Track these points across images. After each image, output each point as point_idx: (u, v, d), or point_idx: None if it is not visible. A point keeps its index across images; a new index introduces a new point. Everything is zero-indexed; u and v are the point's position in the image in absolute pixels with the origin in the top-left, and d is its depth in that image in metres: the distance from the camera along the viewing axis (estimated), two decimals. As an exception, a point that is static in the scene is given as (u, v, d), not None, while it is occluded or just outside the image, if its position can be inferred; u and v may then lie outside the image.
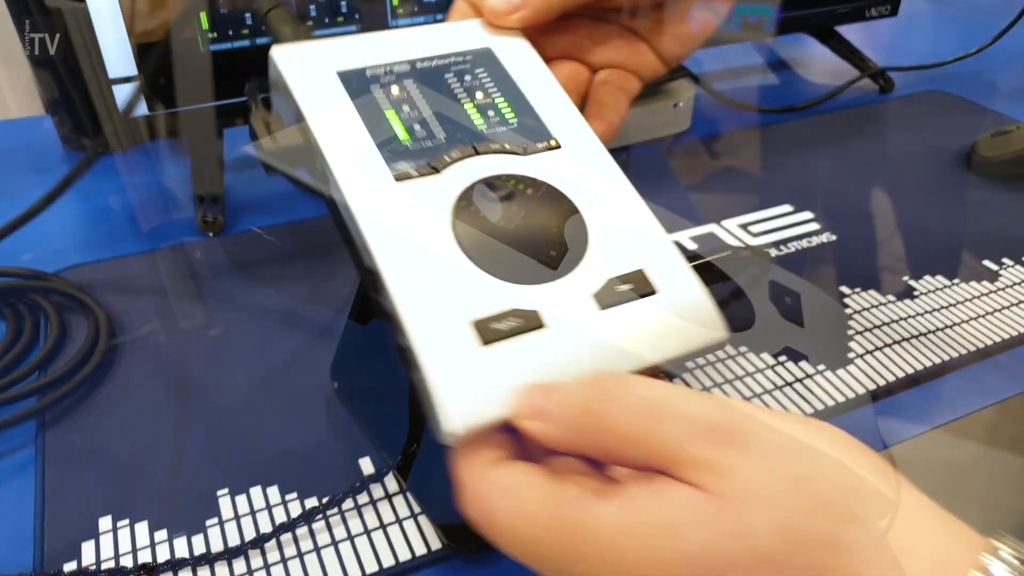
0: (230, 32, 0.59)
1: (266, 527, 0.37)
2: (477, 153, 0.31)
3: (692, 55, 0.39)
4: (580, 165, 0.31)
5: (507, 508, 0.24)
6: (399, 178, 0.30)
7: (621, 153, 0.71)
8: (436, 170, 0.30)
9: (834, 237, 0.59)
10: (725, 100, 0.78)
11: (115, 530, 0.37)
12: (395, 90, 0.33)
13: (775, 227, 0.61)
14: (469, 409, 0.25)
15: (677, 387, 0.25)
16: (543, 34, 0.36)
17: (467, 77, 0.34)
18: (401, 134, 0.31)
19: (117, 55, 0.57)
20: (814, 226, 0.61)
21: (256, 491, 0.39)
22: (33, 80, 0.67)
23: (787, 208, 0.63)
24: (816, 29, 0.86)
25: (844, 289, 0.53)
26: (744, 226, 0.61)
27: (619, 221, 0.30)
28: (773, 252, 0.58)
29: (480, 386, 0.25)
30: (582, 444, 0.25)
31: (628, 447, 0.24)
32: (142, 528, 0.37)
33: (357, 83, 0.32)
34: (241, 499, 0.39)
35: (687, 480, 0.23)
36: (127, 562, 0.36)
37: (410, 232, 0.28)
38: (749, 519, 0.22)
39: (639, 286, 0.28)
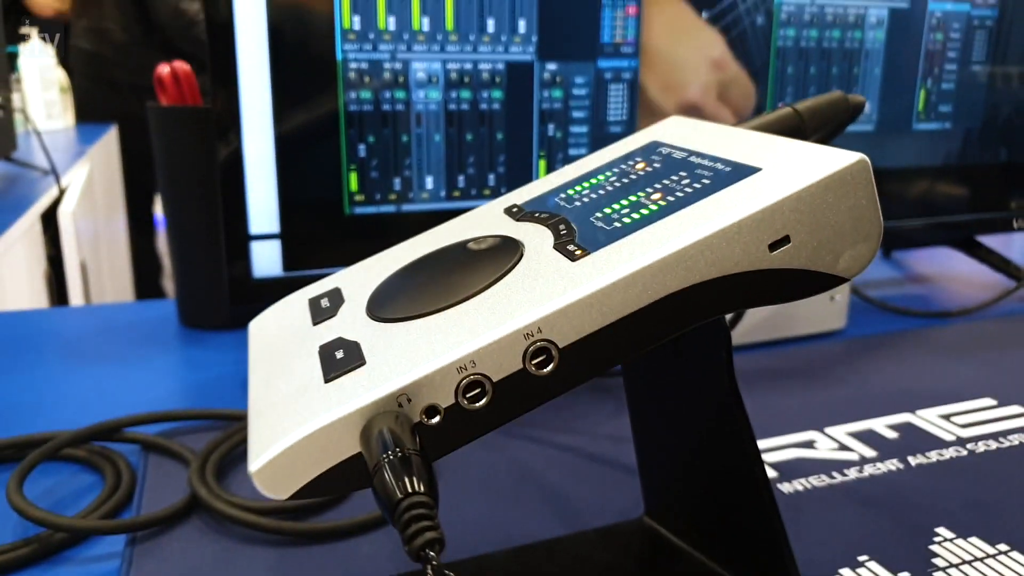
0: (377, 196, 0.57)
1: None
2: (540, 222, 0.29)
3: None
4: (560, 277, 0.25)
5: None
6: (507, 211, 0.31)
7: (777, 347, 0.64)
8: (514, 217, 0.31)
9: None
10: (878, 304, 0.73)
11: None
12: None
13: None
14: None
15: None
16: None
17: (680, 178, 0.29)
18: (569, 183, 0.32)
19: (259, 210, 0.54)
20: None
21: None
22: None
23: (990, 402, 0.55)
24: (960, 239, 0.82)
25: None
26: (946, 416, 0.52)
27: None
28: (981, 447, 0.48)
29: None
30: None
31: None
32: None
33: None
34: None
35: None
36: None
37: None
38: None
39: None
